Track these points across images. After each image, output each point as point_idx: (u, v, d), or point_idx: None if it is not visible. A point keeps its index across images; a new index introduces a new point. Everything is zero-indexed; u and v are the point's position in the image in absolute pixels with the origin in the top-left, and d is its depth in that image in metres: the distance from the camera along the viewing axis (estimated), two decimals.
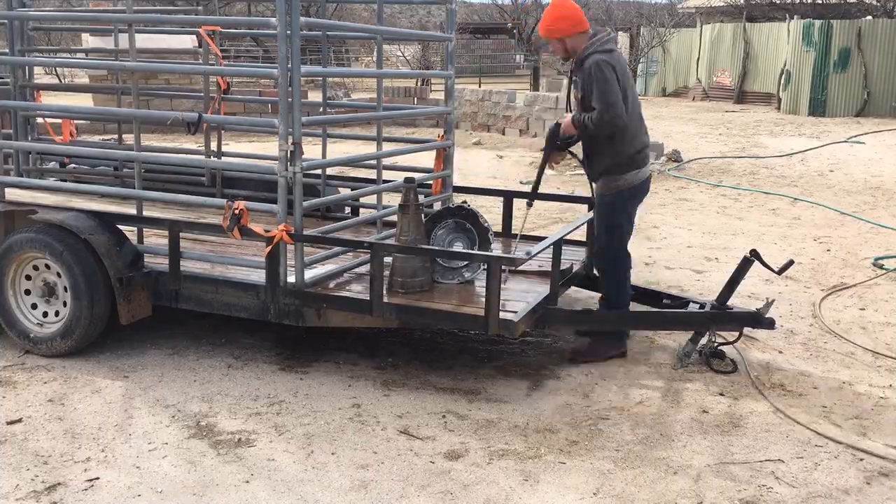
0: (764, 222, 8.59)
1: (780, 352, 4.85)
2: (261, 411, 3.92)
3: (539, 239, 4.93)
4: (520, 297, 4.36)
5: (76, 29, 11.55)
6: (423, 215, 4.53)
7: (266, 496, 3.19)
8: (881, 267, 6.75)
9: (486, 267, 4.04)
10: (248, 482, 3.29)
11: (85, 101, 15.81)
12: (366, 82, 25.63)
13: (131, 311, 4.45)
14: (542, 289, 4.55)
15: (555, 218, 8.28)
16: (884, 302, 5.87)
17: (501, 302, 4.00)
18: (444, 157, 5.41)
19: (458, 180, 5.62)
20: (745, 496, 3.26)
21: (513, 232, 5.46)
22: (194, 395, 4.08)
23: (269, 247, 4.15)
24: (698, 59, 26.89)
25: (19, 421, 3.78)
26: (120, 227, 4.62)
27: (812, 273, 6.56)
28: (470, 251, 4.64)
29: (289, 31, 3.97)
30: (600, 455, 3.56)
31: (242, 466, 3.41)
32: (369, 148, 5.74)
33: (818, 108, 20.74)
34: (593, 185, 4.72)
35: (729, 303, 4.61)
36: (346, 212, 6.04)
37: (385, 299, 4.11)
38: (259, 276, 4.29)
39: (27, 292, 4.60)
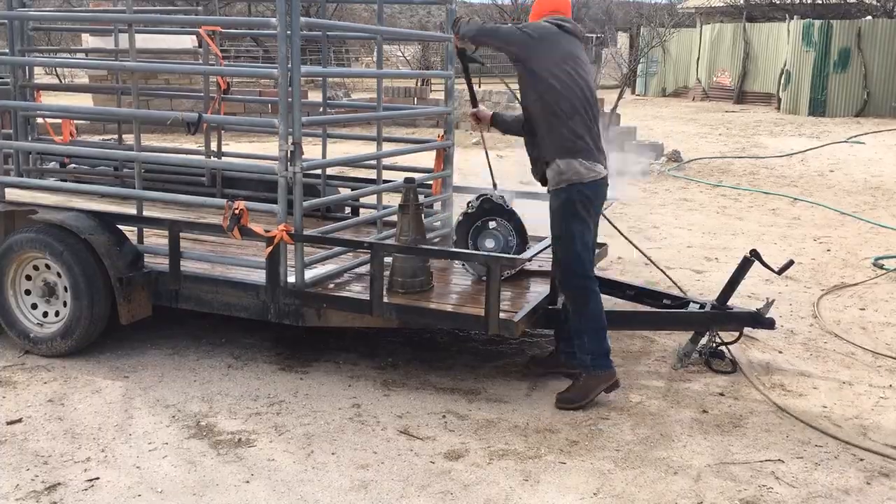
0: (764, 222, 8.59)
1: (780, 352, 4.85)
2: (261, 411, 3.92)
3: (539, 239, 4.93)
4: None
5: (76, 29, 11.53)
6: (423, 215, 4.53)
7: (266, 496, 3.19)
8: (881, 267, 6.75)
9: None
10: (248, 482, 3.29)
11: (85, 101, 15.80)
12: (366, 82, 25.63)
13: (131, 311, 4.45)
14: (541, 289, 4.55)
15: None
16: (884, 302, 5.87)
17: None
18: (444, 157, 5.41)
19: (458, 180, 5.62)
20: (745, 496, 3.26)
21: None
22: (194, 395, 4.08)
23: (270, 247, 4.15)
24: (698, 59, 26.90)
25: (19, 421, 3.78)
26: (120, 227, 4.62)
27: (812, 273, 6.56)
28: (470, 251, 4.64)
29: (289, 31, 3.97)
30: (600, 455, 3.56)
31: (242, 466, 3.41)
32: (369, 148, 5.74)
33: (818, 108, 20.76)
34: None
35: (729, 303, 4.61)
36: (346, 212, 6.04)
37: (385, 299, 4.11)
38: (259, 276, 4.29)
39: (27, 292, 4.60)
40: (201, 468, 3.39)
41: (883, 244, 7.60)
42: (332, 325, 4.40)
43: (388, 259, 4.33)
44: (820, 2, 25.72)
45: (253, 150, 9.05)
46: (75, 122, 6.33)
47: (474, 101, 4.80)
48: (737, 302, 4.74)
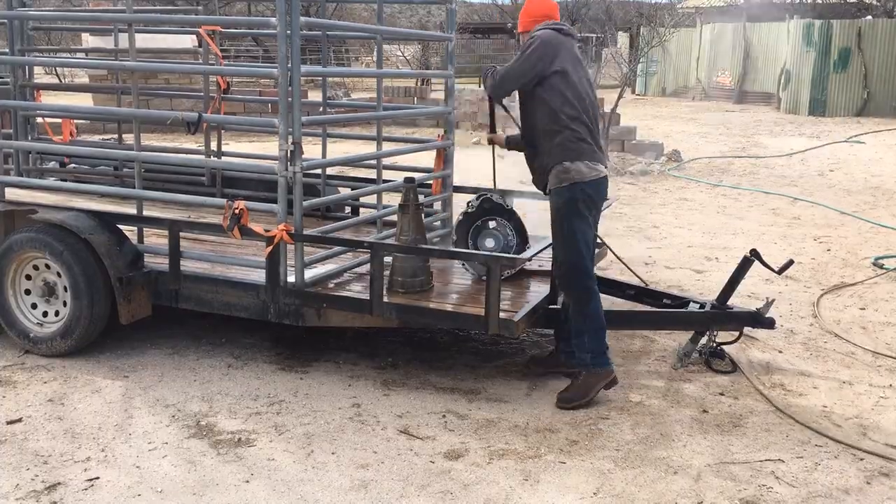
0: (764, 222, 8.59)
1: (780, 352, 4.85)
2: (261, 411, 3.92)
3: (539, 239, 4.93)
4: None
5: (76, 29, 11.55)
6: (423, 215, 4.53)
7: (266, 496, 3.19)
8: (881, 266, 6.75)
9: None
10: (248, 482, 3.29)
11: (85, 100, 15.80)
12: (366, 82, 25.63)
13: (131, 311, 4.45)
14: (541, 289, 4.55)
15: None
16: (884, 302, 5.87)
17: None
18: (444, 157, 5.41)
19: (458, 180, 5.62)
20: (745, 496, 3.26)
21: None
22: (194, 395, 4.08)
23: (270, 247, 4.15)
24: (698, 59, 26.90)
25: (19, 421, 3.78)
26: (120, 226, 4.62)
27: (812, 273, 6.56)
28: (470, 251, 4.64)
29: (289, 31, 3.97)
30: (600, 455, 3.56)
31: (242, 466, 3.41)
32: (369, 148, 5.74)
33: (818, 108, 20.76)
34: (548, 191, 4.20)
35: (729, 303, 4.61)
36: (346, 212, 6.04)
37: (385, 299, 4.11)
38: (259, 276, 4.29)
39: (27, 292, 4.60)
40: (201, 468, 3.39)
41: (883, 244, 7.59)
42: (332, 325, 4.40)
43: (388, 259, 4.33)
44: (820, 2, 25.72)
45: (253, 150, 9.05)
46: (75, 121, 6.33)
47: (493, 129, 4.84)
48: (737, 302, 4.74)
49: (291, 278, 4.22)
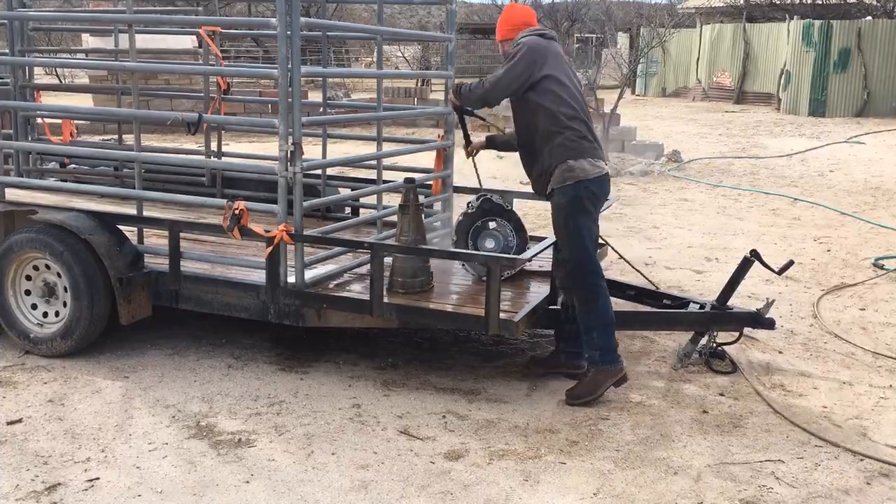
0: (764, 222, 8.59)
1: (780, 352, 4.85)
2: (261, 411, 3.92)
3: (539, 239, 4.93)
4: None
5: (76, 29, 11.55)
6: (423, 215, 4.53)
7: (266, 496, 3.19)
8: (881, 267, 6.75)
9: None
10: (248, 482, 3.29)
11: (85, 101, 15.80)
12: (366, 82, 25.62)
13: (131, 312, 4.45)
14: (542, 289, 4.55)
15: None
16: (884, 302, 5.87)
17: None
18: (444, 157, 5.41)
19: (458, 180, 5.62)
20: (745, 496, 3.26)
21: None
22: (194, 396, 4.08)
23: (270, 247, 4.15)
24: (698, 59, 26.90)
25: (19, 421, 3.78)
26: (120, 227, 4.62)
27: (812, 273, 6.56)
28: (470, 251, 4.64)
29: (289, 32, 3.97)
30: (600, 455, 3.56)
31: (242, 466, 3.41)
32: (369, 148, 5.74)
33: (818, 108, 20.76)
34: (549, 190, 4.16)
35: (729, 303, 4.61)
36: (346, 212, 6.04)
37: (385, 299, 4.11)
38: (259, 277, 4.29)
39: (27, 292, 4.60)
40: (201, 468, 3.39)
41: (883, 244, 7.60)
42: (332, 326, 4.40)
43: (388, 259, 4.33)
44: (820, 2, 25.73)
45: (253, 150, 9.05)
46: (75, 122, 6.33)
47: (468, 141, 4.88)
48: (737, 302, 4.74)
49: (291, 279, 4.22)
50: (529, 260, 4.44)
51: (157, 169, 6.07)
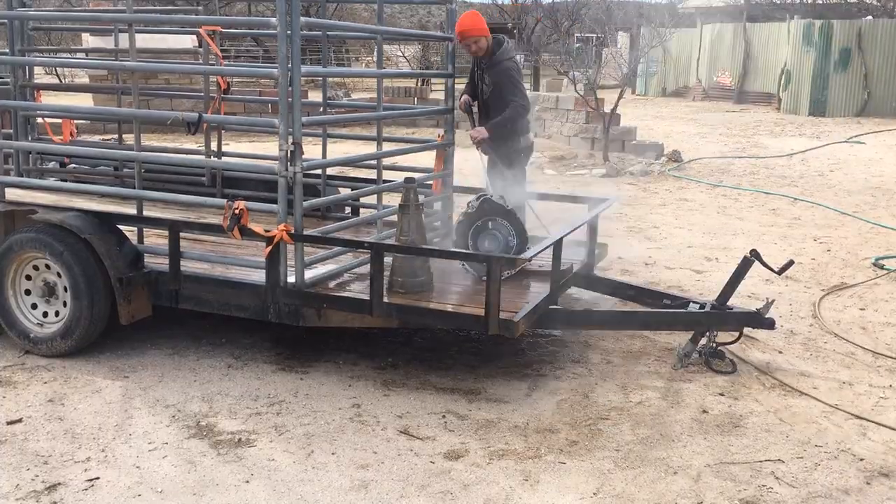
0: (764, 222, 8.59)
1: (780, 352, 4.85)
2: (261, 411, 3.92)
3: (539, 239, 4.92)
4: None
5: (76, 29, 11.54)
6: (423, 215, 4.53)
7: (266, 496, 3.19)
8: (881, 267, 6.75)
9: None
10: (247, 482, 3.29)
11: (85, 101, 15.81)
12: (366, 82, 25.63)
13: (131, 312, 4.45)
14: (542, 289, 4.54)
15: (555, 218, 8.27)
16: (884, 302, 5.87)
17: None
18: (444, 157, 5.41)
19: (458, 180, 5.62)
20: (745, 496, 3.26)
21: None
22: (194, 395, 4.08)
23: (270, 247, 4.15)
24: (698, 59, 26.90)
25: (19, 421, 3.78)
26: (120, 227, 4.62)
27: (812, 273, 6.56)
28: (470, 251, 4.64)
29: (289, 31, 3.97)
30: (600, 455, 3.56)
31: (242, 466, 3.41)
32: (369, 148, 5.74)
33: (818, 108, 20.76)
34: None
35: (729, 303, 4.60)
36: (347, 212, 6.04)
37: (385, 299, 4.11)
38: (259, 276, 4.29)
39: (27, 292, 4.60)
40: (201, 468, 3.39)
41: (883, 244, 7.59)
42: (332, 326, 4.40)
43: (388, 259, 4.33)
44: (820, 2, 25.72)
45: (253, 150, 9.05)
46: (75, 122, 6.33)
47: (474, 124, 5.64)
48: (737, 302, 4.74)
49: (291, 279, 4.22)
50: (529, 260, 4.45)
51: (157, 169, 6.07)
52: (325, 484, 3.29)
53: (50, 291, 4.54)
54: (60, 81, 24.39)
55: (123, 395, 4.08)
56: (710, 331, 4.56)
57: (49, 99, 11.72)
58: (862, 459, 3.56)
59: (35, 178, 5.85)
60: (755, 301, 5.37)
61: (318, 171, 5.53)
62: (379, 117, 5.17)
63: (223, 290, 4.42)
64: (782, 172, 11.98)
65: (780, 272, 4.61)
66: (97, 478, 3.29)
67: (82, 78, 24.07)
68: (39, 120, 6.08)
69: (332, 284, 4.47)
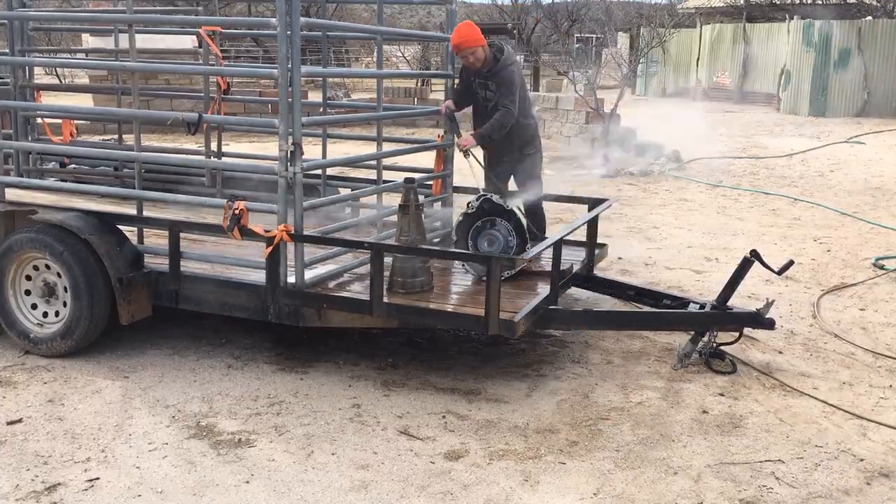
0: (764, 222, 8.58)
1: (780, 352, 4.85)
2: (261, 411, 3.92)
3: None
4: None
5: (76, 29, 11.55)
6: (423, 215, 4.53)
7: (266, 496, 3.19)
8: (882, 267, 6.75)
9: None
10: (247, 482, 3.29)
11: (85, 101, 15.80)
12: (366, 82, 25.61)
13: (131, 312, 4.45)
14: (542, 289, 4.54)
15: (555, 218, 8.27)
16: (884, 302, 5.86)
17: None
18: (444, 158, 5.41)
19: (458, 180, 5.62)
20: (745, 496, 3.26)
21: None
22: (194, 396, 4.08)
23: (270, 247, 4.15)
24: (698, 59, 26.89)
25: (19, 421, 3.78)
26: (120, 227, 4.62)
27: (812, 273, 6.56)
28: (470, 251, 4.64)
29: (289, 32, 3.97)
30: (600, 455, 3.56)
31: (242, 466, 3.41)
32: (369, 148, 5.74)
33: (818, 108, 20.74)
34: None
35: (729, 303, 4.60)
36: (347, 212, 6.04)
37: (385, 299, 4.11)
38: (259, 276, 4.29)
39: (27, 292, 4.60)
40: (201, 468, 3.39)
41: (883, 244, 7.59)
42: (332, 326, 4.40)
43: (388, 259, 4.33)
44: (820, 2, 25.73)
45: (253, 150, 9.05)
46: (75, 122, 6.33)
47: (456, 131, 5.42)
48: (737, 302, 4.74)
49: (291, 279, 4.22)
50: (530, 260, 4.45)
51: (157, 169, 6.07)
52: (325, 484, 3.29)
53: (50, 292, 4.54)
54: (60, 82, 24.39)
55: (123, 395, 4.08)
56: (710, 331, 4.56)
57: (49, 99, 11.70)
58: (862, 460, 3.56)
59: (35, 178, 5.85)
60: (755, 301, 5.36)
61: (318, 171, 5.53)
62: (379, 117, 5.17)
63: (223, 290, 4.42)
64: (782, 173, 11.97)
65: (780, 272, 4.61)
66: (97, 478, 3.29)
67: (82, 78, 24.06)
68: (39, 120, 6.08)
69: (332, 284, 4.47)
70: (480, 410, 3.98)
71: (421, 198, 4.60)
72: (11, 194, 5.22)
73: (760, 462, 3.52)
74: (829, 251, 7.34)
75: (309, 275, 4.30)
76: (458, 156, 5.34)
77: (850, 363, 4.71)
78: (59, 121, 5.63)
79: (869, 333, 5.22)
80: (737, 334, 4.59)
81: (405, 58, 32.00)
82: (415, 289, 4.33)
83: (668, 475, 3.41)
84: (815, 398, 4.19)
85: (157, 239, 4.77)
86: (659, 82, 28.95)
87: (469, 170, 5.15)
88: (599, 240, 5.47)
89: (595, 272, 5.39)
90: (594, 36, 31.60)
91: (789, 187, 10.75)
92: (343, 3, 17.49)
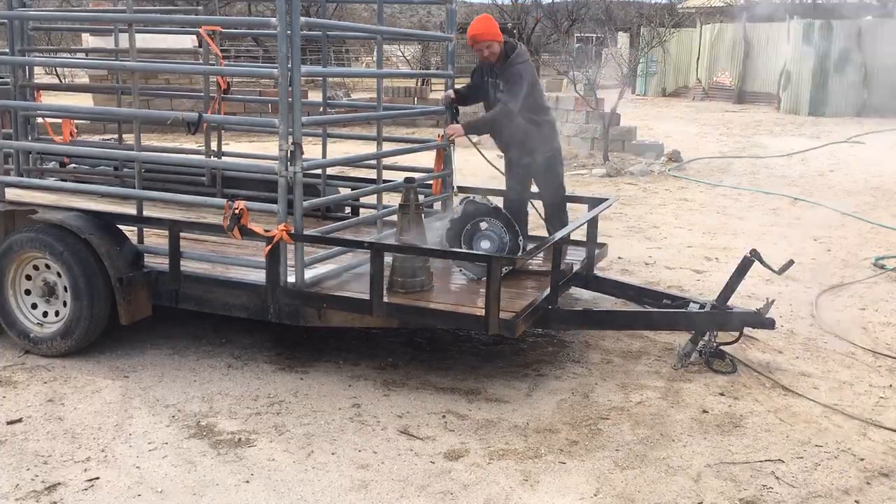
0: (764, 222, 8.58)
1: (780, 352, 4.85)
2: (261, 411, 3.92)
3: (539, 239, 4.93)
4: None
5: (76, 29, 11.55)
6: (423, 215, 4.53)
7: (266, 496, 3.19)
8: (882, 267, 6.75)
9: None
10: (247, 482, 3.29)
11: (85, 100, 15.80)
12: (366, 82, 25.62)
13: (131, 312, 4.44)
14: (542, 289, 4.54)
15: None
16: (884, 302, 5.87)
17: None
18: (444, 157, 5.41)
19: (458, 180, 5.62)
20: (745, 496, 3.26)
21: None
22: (194, 395, 4.08)
23: (269, 247, 4.15)
24: (698, 59, 26.90)
25: (19, 421, 3.78)
26: (120, 227, 4.62)
27: (812, 273, 6.56)
28: (469, 251, 4.64)
29: (289, 31, 3.97)
30: (600, 455, 3.56)
31: (242, 466, 3.41)
32: (369, 148, 5.74)
33: (818, 108, 20.75)
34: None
35: (729, 303, 4.60)
36: (347, 212, 6.04)
37: (385, 299, 4.11)
38: (259, 276, 4.29)
39: (27, 292, 4.60)
40: (201, 468, 3.39)
41: (883, 244, 7.59)
42: (332, 326, 4.40)
43: (388, 259, 4.33)
44: (820, 2, 25.73)
45: (253, 150, 9.04)
46: (75, 122, 6.33)
47: (451, 121, 5.50)
48: (737, 302, 4.74)
49: (291, 278, 4.22)
50: (529, 258, 4.45)
51: (157, 169, 6.07)
52: (325, 484, 3.29)
53: (50, 291, 4.54)
54: (60, 81, 24.39)
55: (123, 395, 4.08)
56: (710, 331, 4.56)
57: (49, 99, 11.71)
58: (862, 459, 3.56)
59: (35, 178, 5.85)
60: (755, 301, 5.36)
61: (318, 171, 5.53)
62: (379, 117, 5.17)
63: (223, 289, 4.42)
64: (782, 172, 11.97)
65: (780, 272, 4.61)
66: (97, 478, 3.29)
67: (82, 78, 24.07)
68: (39, 120, 6.08)
69: (332, 284, 4.47)
70: (480, 410, 3.98)
71: (421, 198, 4.60)
72: (11, 194, 5.23)
73: (760, 462, 3.52)
74: (829, 251, 7.34)
75: (309, 274, 4.30)
76: (458, 156, 5.34)
77: (850, 363, 4.71)
78: (59, 120, 5.63)
79: (869, 333, 5.22)
80: (737, 334, 4.59)
81: (405, 58, 32.00)
82: (415, 289, 4.33)
83: (668, 475, 3.41)
84: (814, 400, 4.19)
85: (157, 239, 4.77)
86: (659, 82, 28.96)
87: (469, 168, 5.15)
88: (599, 239, 5.47)
89: (595, 272, 5.39)
90: (594, 36, 31.61)
91: (789, 187, 10.75)
92: (343, 2, 17.50)
